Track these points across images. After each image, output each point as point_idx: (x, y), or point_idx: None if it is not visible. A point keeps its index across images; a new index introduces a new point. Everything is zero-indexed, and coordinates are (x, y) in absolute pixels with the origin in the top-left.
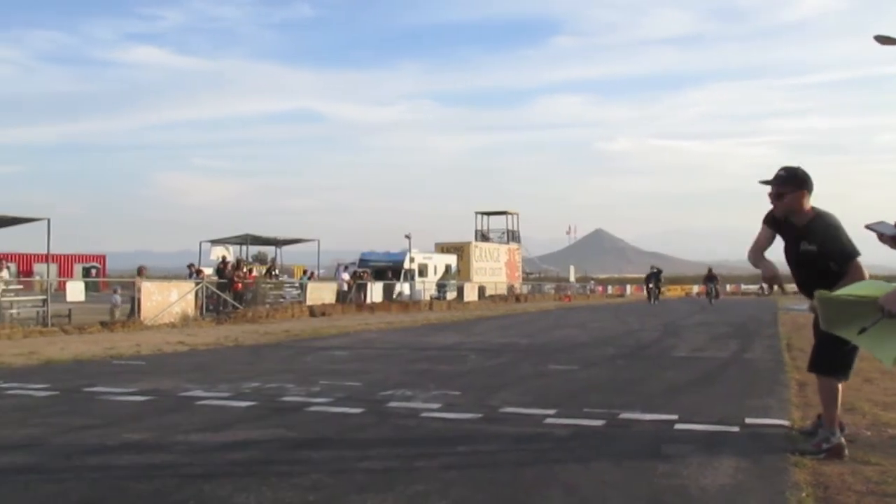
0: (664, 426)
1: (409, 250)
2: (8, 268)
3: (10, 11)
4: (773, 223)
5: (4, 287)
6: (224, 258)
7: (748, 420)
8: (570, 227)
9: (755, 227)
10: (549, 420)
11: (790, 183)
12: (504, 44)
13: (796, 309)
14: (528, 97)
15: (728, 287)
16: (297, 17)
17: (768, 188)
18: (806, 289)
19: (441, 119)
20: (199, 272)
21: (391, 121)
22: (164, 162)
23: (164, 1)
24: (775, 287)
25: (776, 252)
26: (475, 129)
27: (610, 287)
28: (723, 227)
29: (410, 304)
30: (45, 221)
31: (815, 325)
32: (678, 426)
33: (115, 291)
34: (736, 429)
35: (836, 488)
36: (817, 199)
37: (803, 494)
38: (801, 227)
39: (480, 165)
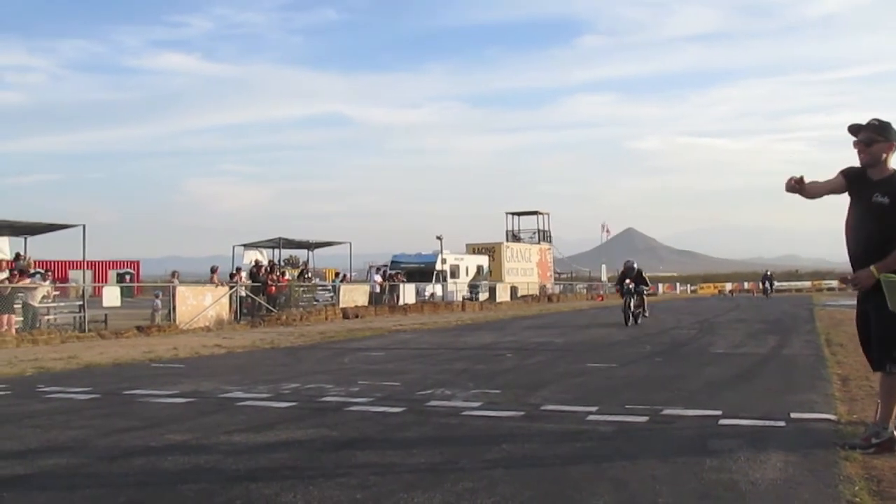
0: (708, 422)
1: (441, 251)
2: (47, 277)
3: (38, 21)
4: (849, 176)
5: (44, 296)
6: (257, 262)
7: (793, 415)
8: (604, 226)
9: (789, 224)
10: (591, 417)
11: (883, 133)
12: (531, 44)
13: (832, 305)
14: (555, 97)
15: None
16: (323, 21)
17: (853, 139)
18: (861, 257)
19: (469, 120)
20: (238, 273)
21: (419, 123)
22: (193, 168)
23: (189, 8)
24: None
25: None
26: (503, 130)
27: None
28: (756, 225)
29: (443, 305)
30: (81, 228)
31: (860, 320)
32: (722, 421)
33: (156, 296)
34: (782, 423)
35: (889, 482)
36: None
37: (856, 488)
38: (877, 181)
39: (510, 166)
